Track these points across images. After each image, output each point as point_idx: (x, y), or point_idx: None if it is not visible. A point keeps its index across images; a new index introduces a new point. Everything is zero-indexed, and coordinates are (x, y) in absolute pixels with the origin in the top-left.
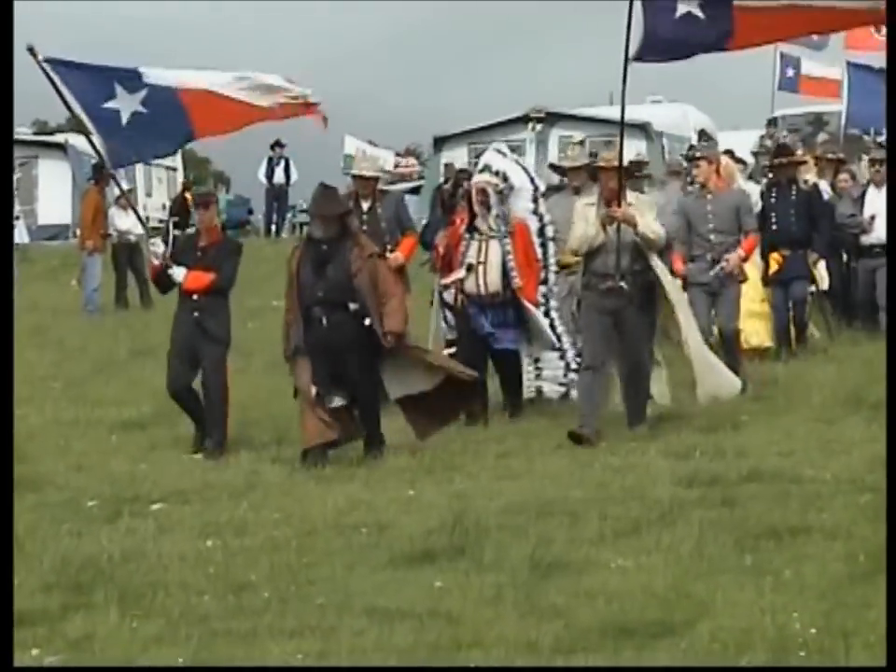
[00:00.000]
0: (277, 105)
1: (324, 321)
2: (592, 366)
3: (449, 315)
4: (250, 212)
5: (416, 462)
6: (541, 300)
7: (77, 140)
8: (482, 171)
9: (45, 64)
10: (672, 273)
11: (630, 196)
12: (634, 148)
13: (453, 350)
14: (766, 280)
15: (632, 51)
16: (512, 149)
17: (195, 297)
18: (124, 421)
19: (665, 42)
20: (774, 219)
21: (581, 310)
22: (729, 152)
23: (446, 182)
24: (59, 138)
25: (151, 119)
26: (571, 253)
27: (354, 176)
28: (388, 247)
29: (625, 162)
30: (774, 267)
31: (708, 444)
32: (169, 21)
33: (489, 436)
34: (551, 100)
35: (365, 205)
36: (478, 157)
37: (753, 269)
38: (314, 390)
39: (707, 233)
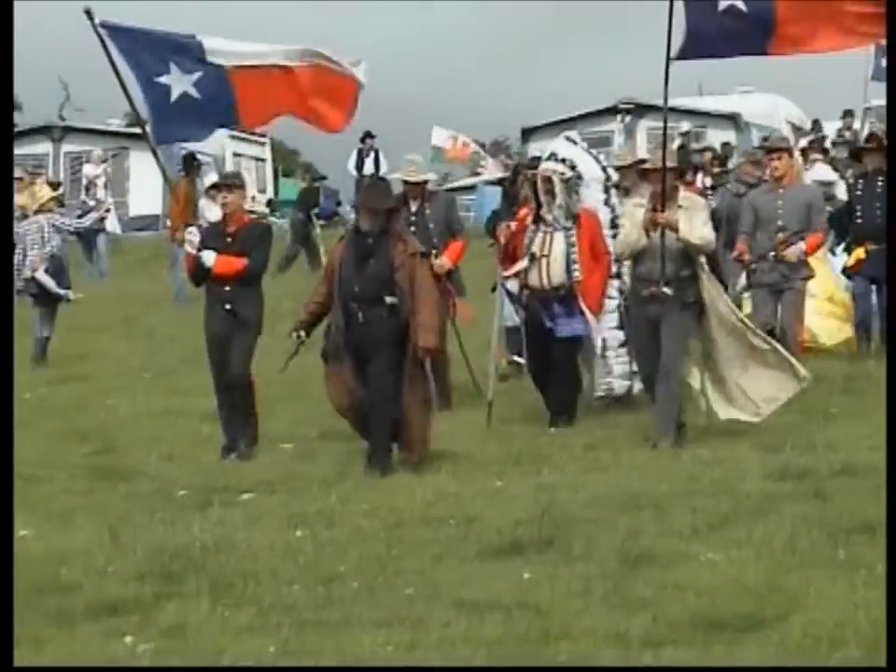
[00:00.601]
0: (324, 67)
1: (360, 317)
2: (649, 376)
3: (509, 306)
4: (339, 203)
5: (504, 454)
6: (614, 293)
7: None
8: (547, 158)
9: (100, 29)
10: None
11: (682, 197)
12: (723, 139)
13: (514, 357)
14: (848, 272)
15: (674, 51)
16: (601, 141)
17: (226, 287)
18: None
19: (707, 39)
20: (859, 211)
21: (629, 318)
22: (819, 141)
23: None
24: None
25: (200, 104)
26: (616, 258)
27: (404, 182)
28: (435, 250)
29: (705, 156)
30: (855, 259)
31: (799, 438)
32: None
33: (576, 428)
34: (640, 91)
35: (413, 206)
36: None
37: (821, 265)
38: (348, 387)
39: (774, 231)
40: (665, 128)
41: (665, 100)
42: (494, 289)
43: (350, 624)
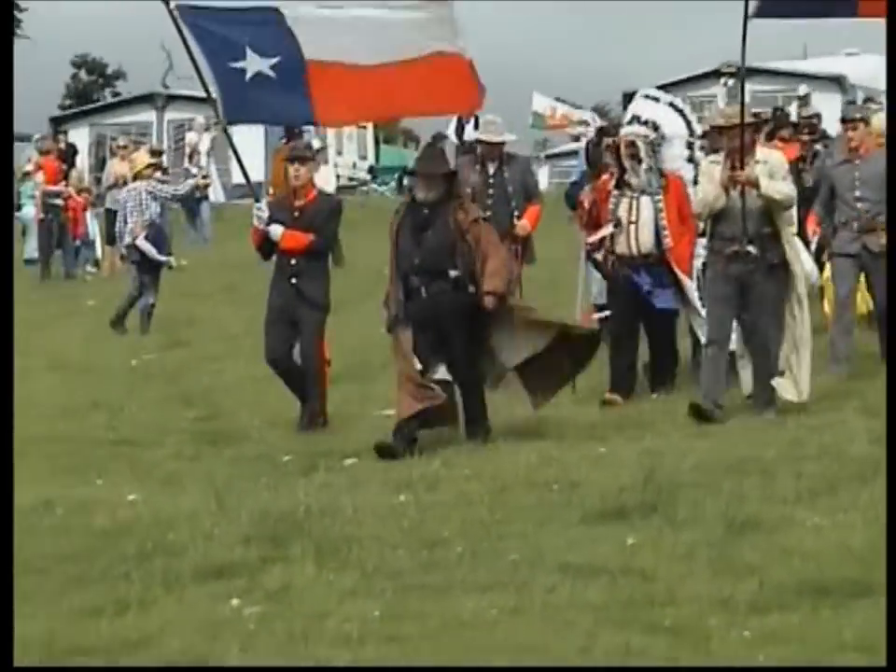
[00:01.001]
0: (426, 59)
1: (423, 291)
2: (717, 340)
3: (597, 276)
4: None
5: (606, 420)
6: (701, 251)
7: None
8: (629, 122)
9: (175, 12)
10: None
11: (759, 154)
12: (828, 101)
13: (604, 314)
14: None
15: (753, 8)
16: (703, 104)
17: (292, 261)
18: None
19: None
20: None
21: (707, 277)
22: None
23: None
24: None
25: (275, 86)
26: (696, 217)
27: (479, 141)
28: (515, 213)
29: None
30: None
31: None
32: None
33: (679, 394)
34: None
35: (491, 168)
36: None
37: None
38: (416, 363)
39: (853, 201)
40: (742, 85)
41: (743, 59)
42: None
43: (453, 588)
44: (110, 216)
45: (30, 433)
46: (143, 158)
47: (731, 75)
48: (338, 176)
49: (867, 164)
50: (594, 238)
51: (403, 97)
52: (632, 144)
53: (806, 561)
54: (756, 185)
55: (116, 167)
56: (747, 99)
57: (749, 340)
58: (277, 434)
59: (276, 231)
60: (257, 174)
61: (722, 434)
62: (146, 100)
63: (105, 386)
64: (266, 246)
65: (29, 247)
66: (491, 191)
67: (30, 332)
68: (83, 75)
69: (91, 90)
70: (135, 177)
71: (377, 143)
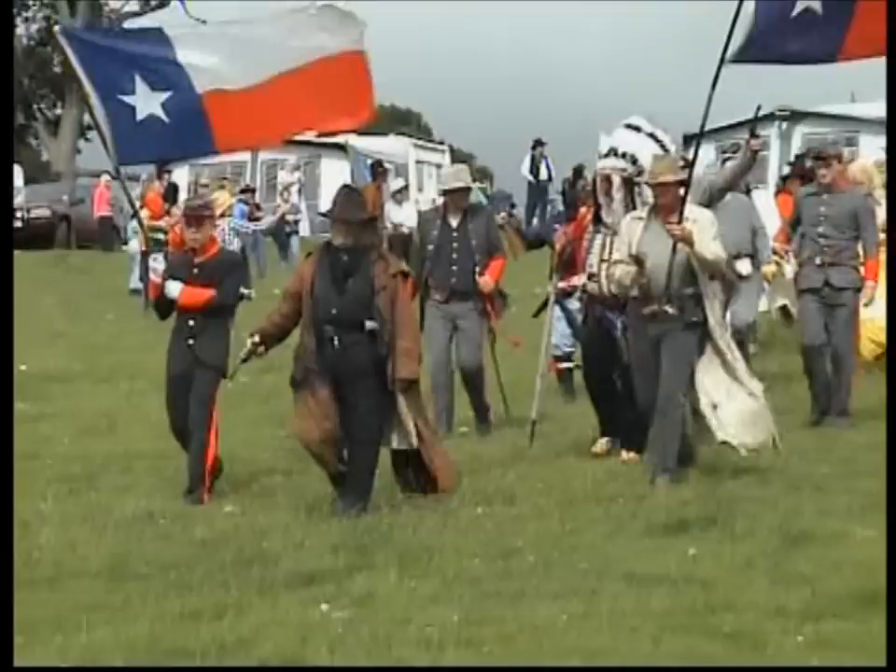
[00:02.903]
0: (322, 59)
1: (336, 341)
2: (645, 402)
3: (562, 325)
4: (513, 206)
5: None
6: None
7: (355, 141)
8: (605, 155)
9: (62, 39)
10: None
11: (689, 210)
12: (878, 144)
13: (569, 364)
14: None
15: (733, 52)
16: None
17: (191, 321)
18: None
19: (775, 42)
20: None
21: (630, 337)
22: None
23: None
24: (340, 139)
25: (169, 127)
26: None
27: (444, 192)
28: (477, 268)
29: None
30: None
31: None
32: None
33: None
34: (795, 98)
35: (454, 221)
36: (724, 152)
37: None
38: (328, 423)
39: (816, 236)
40: (699, 139)
41: (708, 105)
42: (538, 312)
43: (527, 595)
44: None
45: (135, 449)
46: (225, 198)
47: (784, 118)
48: (419, 212)
49: (834, 201)
50: (564, 284)
51: (296, 111)
52: (607, 178)
53: (858, 571)
54: (690, 242)
55: None
56: (797, 141)
57: (658, 395)
58: None
59: (173, 287)
60: None
61: (777, 451)
62: None
63: None
64: (163, 304)
65: (133, 278)
66: (455, 245)
67: (137, 357)
68: None
69: None
70: (221, 215)
71: None
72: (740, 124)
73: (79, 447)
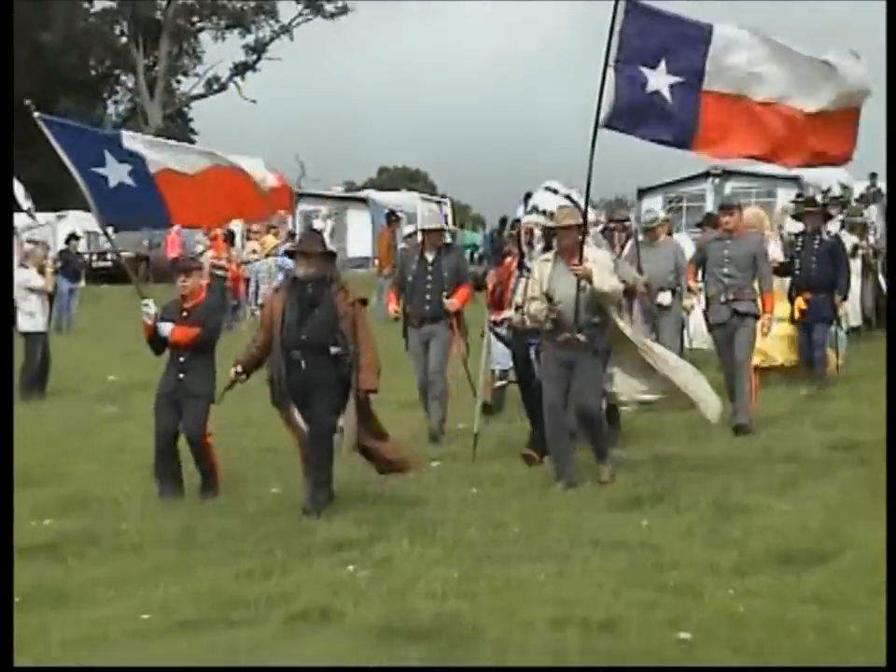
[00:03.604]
0: (257, 192)
1: (303, 364)
2: (553, 406)
3: (497, 348)
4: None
5: (626, 429)
6: None
7: (375, 195)
8: (530, 212)
9: (40, 122)
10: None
11: (588, 252)
12: (790, 196)
13: (502, 383)
14: (793, 319)
15: (605, 118)
16: (698, 197)
17: (181, 357)
18: (405, 402)
19: (635, 113)
20: (798, 265)
21: (542, 357)
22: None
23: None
24: (362, 194)
25: (135, 194)
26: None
27: (423, 231)
28: (446, 294)
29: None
30: (798, 310)
31: (850, 417)
32: None
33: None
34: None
35: (430, 257)
36: (671, 202)
37: (781, 304)
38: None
39: (721, 276)
40: (588, 191)
41: (591, 164)
42: (483, 335)
43: (513, 558)
44: (246, 284)
45: None
46: (271, 240)
47: (716, 175)
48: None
49: (736, 244)
50: (496, 317)
51: (218, 203)
52: (529, 231)
53: (776, 537)
54: (590, 279)
55: (250, 246)
56: (729, 191)
57: (576, 409)
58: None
59: (165, 327)
60: (366, 250)
61: (713, 441)
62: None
63: (254, 408)
64: (157, 342)
65: None
66: (429, 277)
67: None
68: None
69: None
70: (267, 255)
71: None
72: (683, 180)
73: None
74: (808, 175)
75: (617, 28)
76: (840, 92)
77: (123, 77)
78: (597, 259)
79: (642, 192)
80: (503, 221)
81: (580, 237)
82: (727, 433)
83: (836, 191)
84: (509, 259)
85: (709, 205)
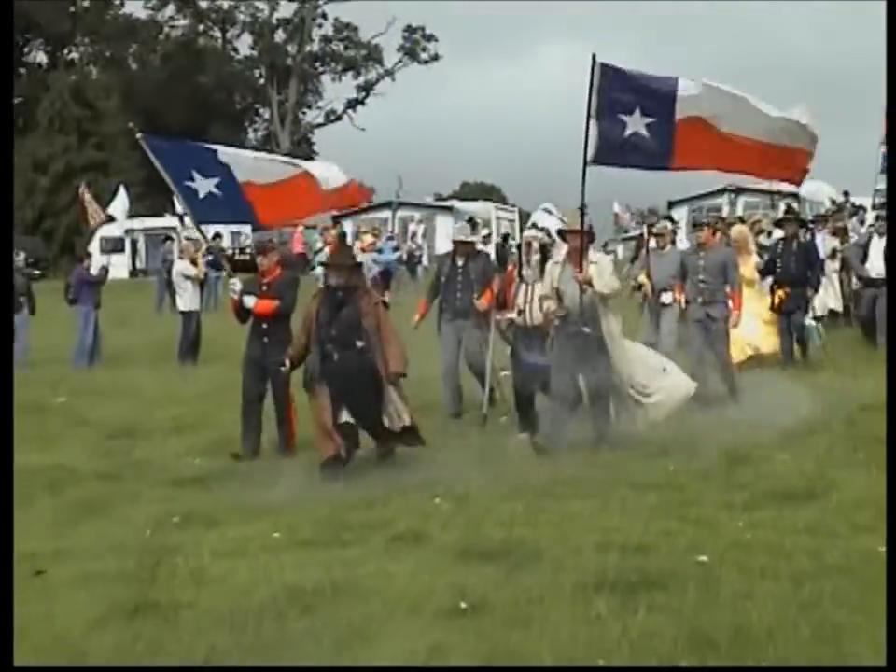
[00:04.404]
0: (330, 191)
1: (335, 356)
2: (563, 394)
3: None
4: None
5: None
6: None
7: (458, 205)
8: (529, 228)
9: (142, 142)
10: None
11: (592, 255)
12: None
13: (506, 373)
14: (773, 309)
15: (592, 156)
16: (714, 209)
17: (263, 324)
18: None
19: (617, 151)
20: (779, 263)
21: (553, 347)
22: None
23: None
24: (448, 203)
25: (223, 202)
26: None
27: (454, 241)
28: (476, 296)
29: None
30: (778, 300)
31: (836, 387)
32: None
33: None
34: (739, 179)
35: (460, 262)
36: (694, 213)
37: (763, 298)
38: (330, 413)
39: (698, 282)
40: (582, 207)
41: (583, 195)
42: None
43: (567, 496)
44: None
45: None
46: (368, 239)
47: (732, 191)
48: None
49: (709, 256)
50: (499, 317)
51: (293, 204)
52: (528, 244)
53: (777, 481)
54: (590, 283)
55: (358, 244)
56: (740, 207)
57: (590, 387)
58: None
59: (250, 300)
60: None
61: (719, 408)
62: (386, 205)
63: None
64: (242, 313)
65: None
66: (459, 278)
67: None
68: None
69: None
70: (363, 251)
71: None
72: (706, 194)
73: None
74: (805, 191)
75: (596, 85)
76: (791, 132)
77: (261, 111)
78: (599, 261)
79: (672, 204)
80: (505, 237)
81: (585, 240)
82: (726, 399)
83: (827, 205)
84: (510, 268)
85: (725, 216)
